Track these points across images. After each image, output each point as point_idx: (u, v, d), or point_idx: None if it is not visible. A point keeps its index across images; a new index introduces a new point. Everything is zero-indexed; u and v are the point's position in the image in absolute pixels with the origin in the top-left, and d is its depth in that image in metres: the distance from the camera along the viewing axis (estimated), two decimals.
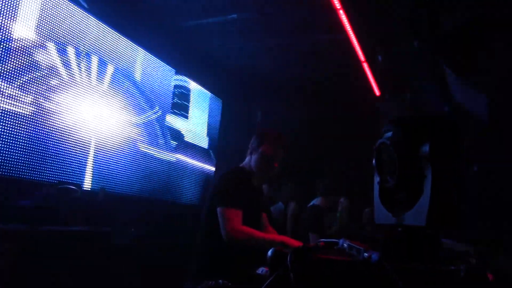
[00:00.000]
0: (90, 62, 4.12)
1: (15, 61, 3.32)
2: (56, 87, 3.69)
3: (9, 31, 3.27)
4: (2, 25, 3.21)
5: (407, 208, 1.05)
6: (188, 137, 5.82)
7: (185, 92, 5.82)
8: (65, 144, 3.77)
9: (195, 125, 6.03)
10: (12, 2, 3.29)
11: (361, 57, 5.27)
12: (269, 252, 1.09)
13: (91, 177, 4.08)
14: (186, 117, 5.82)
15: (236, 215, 2.31)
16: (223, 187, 2.44)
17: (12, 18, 3.29)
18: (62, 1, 3.78)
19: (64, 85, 3.78)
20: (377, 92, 6.12)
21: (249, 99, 7.15)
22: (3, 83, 3.22)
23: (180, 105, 5.71)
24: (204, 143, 6.23)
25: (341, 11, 4.33)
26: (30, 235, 2.92)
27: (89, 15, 4.11)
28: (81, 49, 4.01)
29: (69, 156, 3.81)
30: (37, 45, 3.53)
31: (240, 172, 2.57)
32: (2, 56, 3.22)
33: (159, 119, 5.25)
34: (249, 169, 2.58)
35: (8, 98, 3.24)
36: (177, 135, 5.59)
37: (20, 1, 3.36)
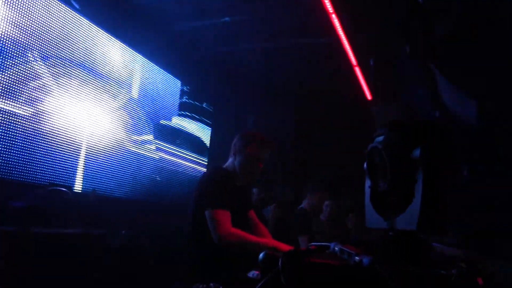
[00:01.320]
0: (81, 63, 4.09)
1: (4, 63, 3.29)
2: (47, 89, 3.66)
3: None
4: None
5: (398, 212, 1.06)
6: (179, 139, 5.80)
7: (176, 94, 5.81)
8: (56, 146, 3.74)
9: (186, 128, 6.02)
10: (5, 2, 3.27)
11: (353, 61, 5.29)
12: (261, 255, 1.09)
13: (82, 179, 4.05)
14: (178, 119, 5.81)
15: (225, 216, 2.30)
16: (209, 189, 2.41)
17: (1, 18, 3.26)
18: (53, 2, 3.76)
19: (56, 87, 3.75)
20: (369, 97, 6.16)
21: (241, 102, 7.16)
22: None
23: (172, 108, 5.69)
24: (195, 145, 6.22)
25: (333, 15, 4.35)
26: (22, 236, 2.89)
27: (80, 16, 4.09)
28: (73, 50, 3.98)
29: (60, 157, 3.78)
30: (28, 46, 3.50)
31: (222, 172, 2.56)
32: None
33: (151, 121, 5.23)
34: (233, 170, 2.57)
35: None
36: (168, 137, 5.57)
37: (12, 2, 3.33)
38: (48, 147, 3.65)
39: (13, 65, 3.36)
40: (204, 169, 6.31)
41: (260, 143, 2.58)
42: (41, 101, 3.60)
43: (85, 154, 4.10)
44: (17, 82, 3.38)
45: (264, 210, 4.96)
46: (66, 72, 3.88)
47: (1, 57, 3.24)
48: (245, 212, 2.65)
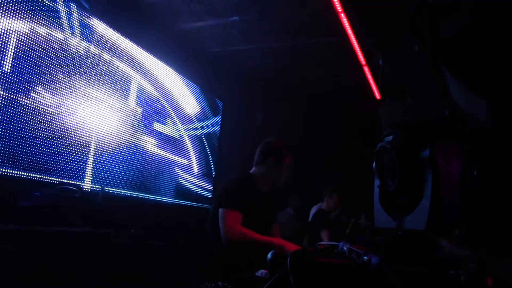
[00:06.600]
0: (90, 62, 4.11)
1: (14, 61, 3.31)
2: (57, 86, 3.69)
3: (10, 32, 3.27)
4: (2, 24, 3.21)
5: (407, 212, 1.05)
6: (189, 139, 5.82)
7: (186, 94, 5.82)
8: (66, 144, 3.76)
9: (196, 128, 6.03)
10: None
11: (362, 60, 5.27)
12: (269, 255, 1.09)
13: (91, 178, 4.07)
14: (187, 119, 5.82)
15: (235, 216, 2.33)
16: (228, 191, 2.47)
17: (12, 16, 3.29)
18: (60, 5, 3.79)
19: (65, 85, 3.78)
20: (378, 96, 6.13)
21: (250, 101, 7.16)
22: (2, 82, 3.22)
23: (182, 107, 5.70)
24: (205, 145, 6.23)
25: (342, 14, 4.34)
26: (29, 235, 2.90)
27: (90, 16, 4.12)
28: (82, 49, 4.01)
29: (69, 156, 3.80)
30: (37, 44, 3.53)
31: (248, 178, 2.60)
32: (1, 56, 3.22)
33: (160, 120, 5.24)
34: (261, 178, 2.60)
35: (8, 97, 3.24)
36: (178, 136, 5.59)
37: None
38: (58, 145, 3.68)
39: (21, 65, 3.39)
40: (213, 169, 6.33)
41: (290, 152, 2.67)
42: (51, 99, 3.62)
43: (95, 153, 4.12)
44: (26, 81, 3.41)
45: (281, 213, 5.21)
46: (76, 71, 3.90)
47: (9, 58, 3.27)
48: (267, 221, 2.66)
